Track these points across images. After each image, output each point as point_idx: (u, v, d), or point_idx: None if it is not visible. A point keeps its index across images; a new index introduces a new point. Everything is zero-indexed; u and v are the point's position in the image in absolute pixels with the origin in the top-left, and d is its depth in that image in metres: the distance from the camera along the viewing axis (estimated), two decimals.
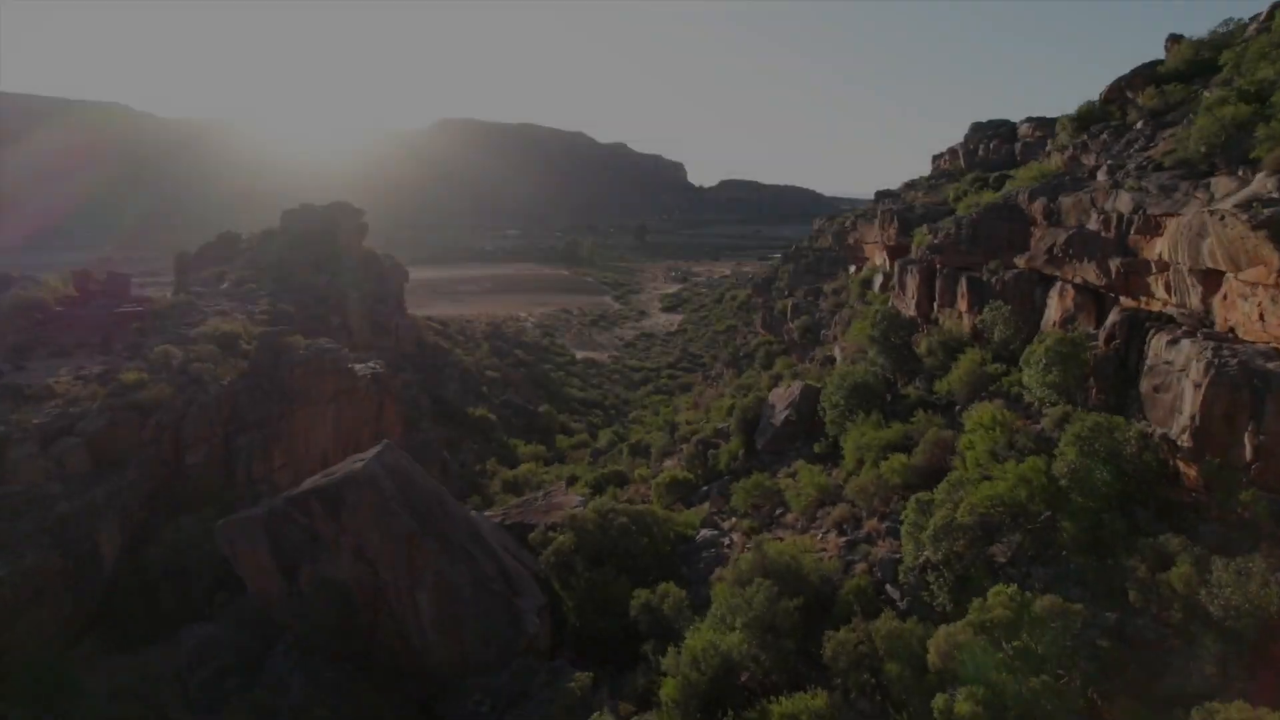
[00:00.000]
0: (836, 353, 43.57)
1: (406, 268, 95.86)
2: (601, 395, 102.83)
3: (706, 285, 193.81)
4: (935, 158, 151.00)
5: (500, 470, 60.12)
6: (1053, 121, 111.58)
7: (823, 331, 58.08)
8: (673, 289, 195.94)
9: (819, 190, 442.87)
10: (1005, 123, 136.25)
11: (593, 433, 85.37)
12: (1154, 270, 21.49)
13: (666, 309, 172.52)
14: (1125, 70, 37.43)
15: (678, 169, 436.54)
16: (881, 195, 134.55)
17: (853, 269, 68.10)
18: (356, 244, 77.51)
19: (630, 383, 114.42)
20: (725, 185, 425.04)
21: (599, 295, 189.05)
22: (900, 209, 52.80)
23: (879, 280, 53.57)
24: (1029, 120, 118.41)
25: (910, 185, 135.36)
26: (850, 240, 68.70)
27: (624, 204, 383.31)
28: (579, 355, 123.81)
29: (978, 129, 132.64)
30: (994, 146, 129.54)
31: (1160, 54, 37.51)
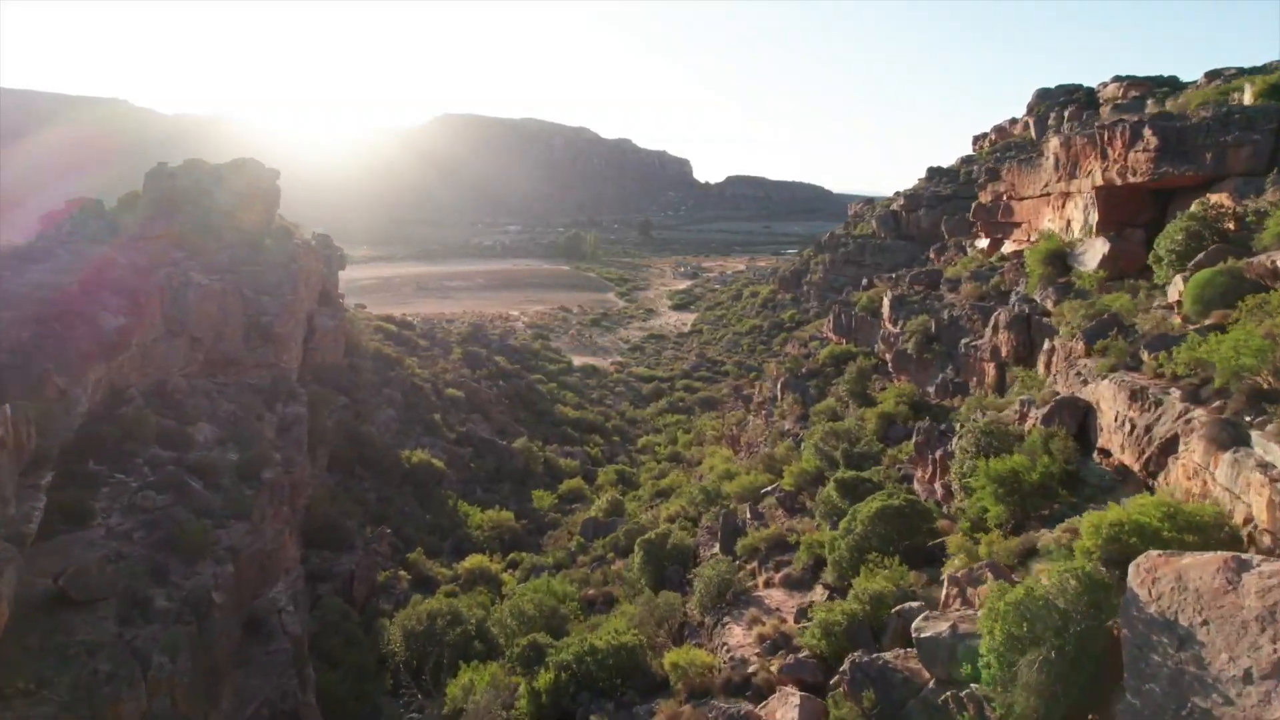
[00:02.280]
0: (1107, 401, 18.40)
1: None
2: (602, 415, 77.70)
3: (720, 281, 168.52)
4: (978, 138, 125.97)
5: (436, 570, 34.87)
6: (1147, 80, 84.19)
7: (967, 341, 32.97)
8: (682, 285, 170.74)
9: (826, 187, 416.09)
10: (1078, 87, 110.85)
11: (589, 473, 60.32)
12: None
13: (676, 307, 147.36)
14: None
15: (683, 165, 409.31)
16: (935, 171, 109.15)
17: (984, 243, 42.74)
18: (259, 214, 52.42)
19: (638, 396, 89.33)
20: (731, 181, 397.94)
21: (601, 292, 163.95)
22: (1153, 117, 27.51)
23: (1095, 251, 28.33)
24: (1117, 79, 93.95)
25: (968, 160, 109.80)
26: (987, 197, 43.21)
27: (628, 200, 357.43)
28: (577, 361, 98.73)
29: (1045, 95, 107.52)
30: (1071, 112, 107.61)
31: None
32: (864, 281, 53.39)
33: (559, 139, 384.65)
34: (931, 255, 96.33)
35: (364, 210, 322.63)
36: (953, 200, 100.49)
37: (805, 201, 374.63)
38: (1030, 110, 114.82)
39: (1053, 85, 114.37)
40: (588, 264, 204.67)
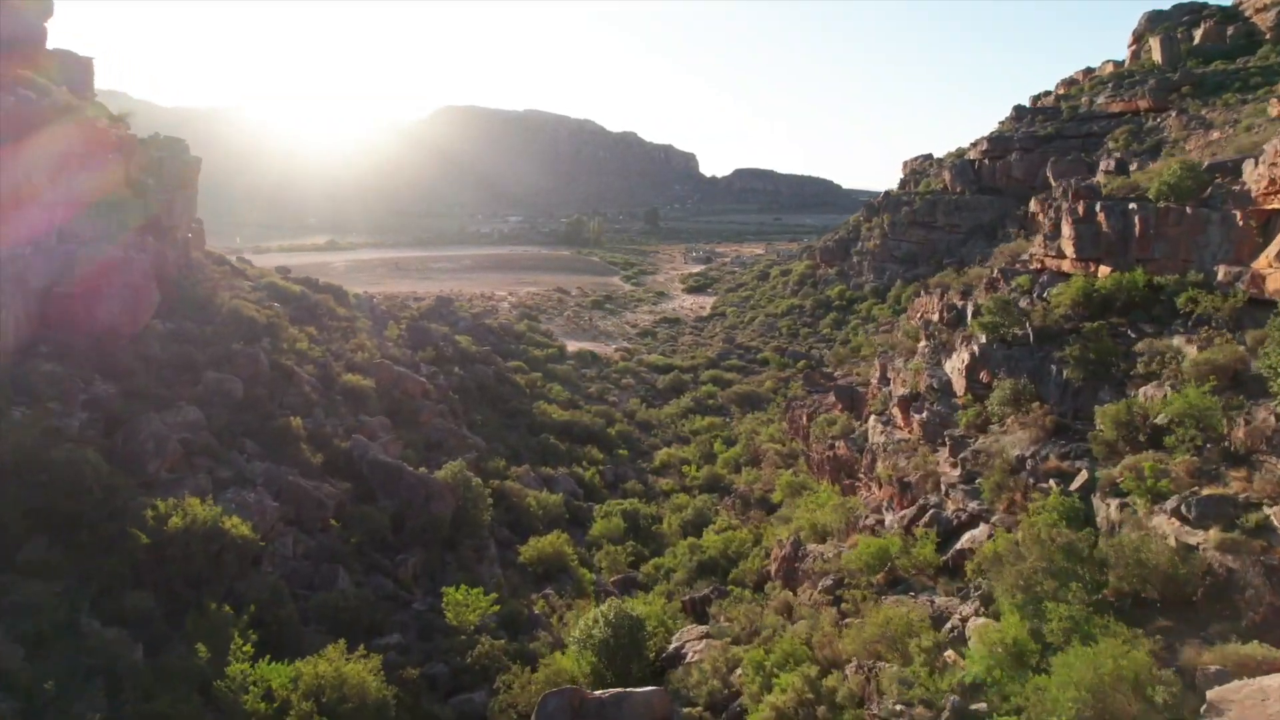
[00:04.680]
0: None
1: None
2: (603, 416, 51.97)
3: (738, 264, 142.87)
4: (1037, 96, 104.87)
5: None
6: None
7: None
8: (696, 269, 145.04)
9: (836, 182, 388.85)
10: (1204, 4, 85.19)
11: (579, 514, 34.93)
12: None
13: (692, 290, 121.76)
14: None
15: (689, 159, 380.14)
16: (1025, 111, 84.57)
17: None
18: None
19: (651, 391, 63.70)
20: (739, 174, 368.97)
21: (605, 276, 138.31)
22: None
23: None
24: None
25: (1066, 98, 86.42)
26: None
27: (634, 194, 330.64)
28: (571, 347, 73.20)
29: (1158, 19, 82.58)
30: (1207, 30, 78.67)
31: None
32: (1026, 212, 27.41)
33: (563, 131, 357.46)
34: (1035, 208, 71.23)
35: (365, 203, 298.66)
36: (1057, 140, 74.75)
37: (815, 195, 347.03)
38: (1137, 38, 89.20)
39: (1166, 6, 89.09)
40: (591, 250, 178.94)
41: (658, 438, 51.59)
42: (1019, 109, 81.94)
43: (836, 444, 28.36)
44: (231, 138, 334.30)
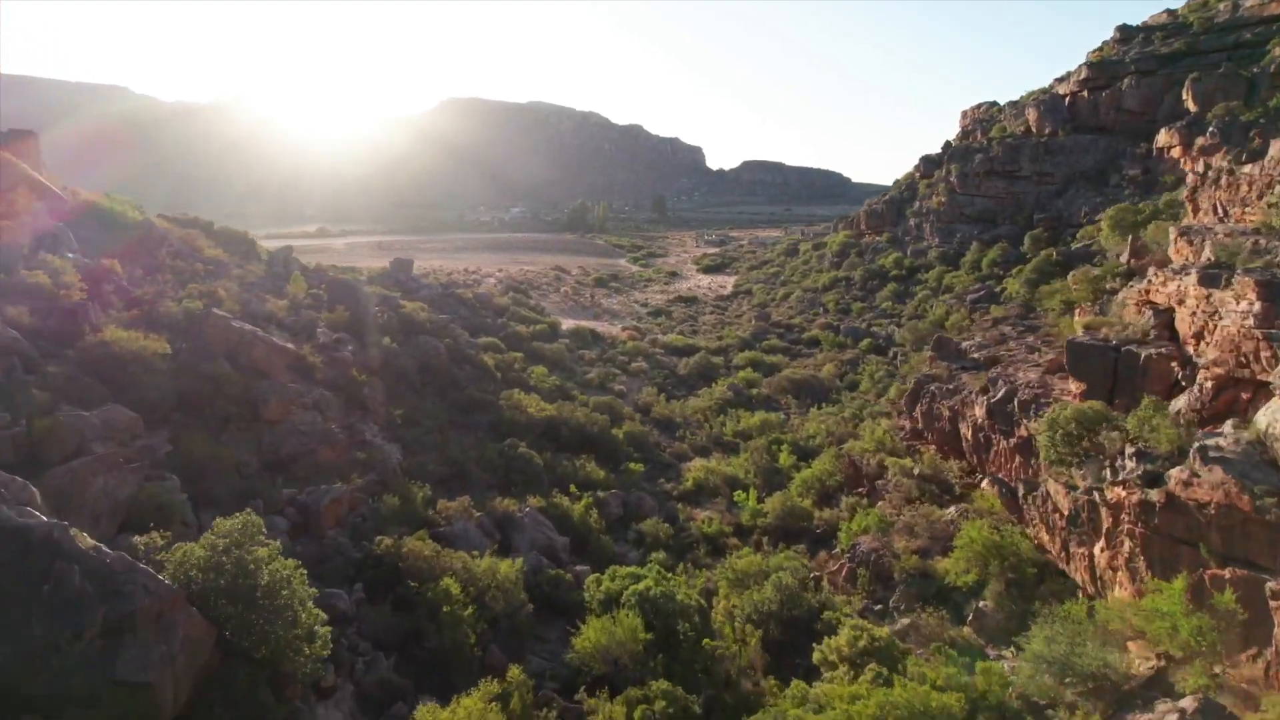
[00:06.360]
0: None
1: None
2: (604, 412, 34.42)
3: (758, 244, 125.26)
4: (1118, 36, 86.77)
5: None
6: None
7: None
8: (712, 251, 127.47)
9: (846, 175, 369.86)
10: None
11: (556, 598, 16.89)
12: None
13: (708, 270, 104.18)
14: None
15: (696, 152, 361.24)
16: (1133, 31, 66.88)
17: None
18: None
19: (671, 379, 46.15)
20: (747, 166, 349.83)
21: (610, 258, 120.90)
22: None
23: None
24: None
25: (1135, 41, 67.70)
26: None
27: (640, 187, 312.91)
28: (566, 325, 55.88)
29: None
30: None
31: None
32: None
33: (568, 123, 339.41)
34: (1171, 140, 53.28)
35: (368, 196, 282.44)
36: (1189, 59, 57.31)
37: (825, 188, 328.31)
38: None
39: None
40: (595, 235, 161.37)
41: (686, 442, 34.11)
42: (1124, 29, 64.06)
43: (1195, 472, 10.92)
44: (234, 132, 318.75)
